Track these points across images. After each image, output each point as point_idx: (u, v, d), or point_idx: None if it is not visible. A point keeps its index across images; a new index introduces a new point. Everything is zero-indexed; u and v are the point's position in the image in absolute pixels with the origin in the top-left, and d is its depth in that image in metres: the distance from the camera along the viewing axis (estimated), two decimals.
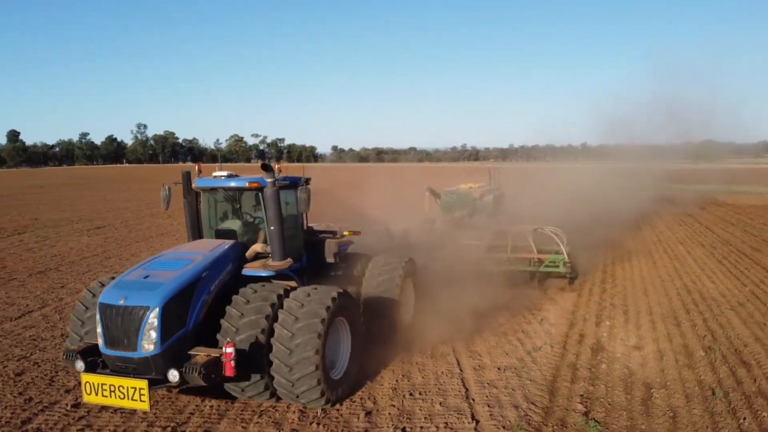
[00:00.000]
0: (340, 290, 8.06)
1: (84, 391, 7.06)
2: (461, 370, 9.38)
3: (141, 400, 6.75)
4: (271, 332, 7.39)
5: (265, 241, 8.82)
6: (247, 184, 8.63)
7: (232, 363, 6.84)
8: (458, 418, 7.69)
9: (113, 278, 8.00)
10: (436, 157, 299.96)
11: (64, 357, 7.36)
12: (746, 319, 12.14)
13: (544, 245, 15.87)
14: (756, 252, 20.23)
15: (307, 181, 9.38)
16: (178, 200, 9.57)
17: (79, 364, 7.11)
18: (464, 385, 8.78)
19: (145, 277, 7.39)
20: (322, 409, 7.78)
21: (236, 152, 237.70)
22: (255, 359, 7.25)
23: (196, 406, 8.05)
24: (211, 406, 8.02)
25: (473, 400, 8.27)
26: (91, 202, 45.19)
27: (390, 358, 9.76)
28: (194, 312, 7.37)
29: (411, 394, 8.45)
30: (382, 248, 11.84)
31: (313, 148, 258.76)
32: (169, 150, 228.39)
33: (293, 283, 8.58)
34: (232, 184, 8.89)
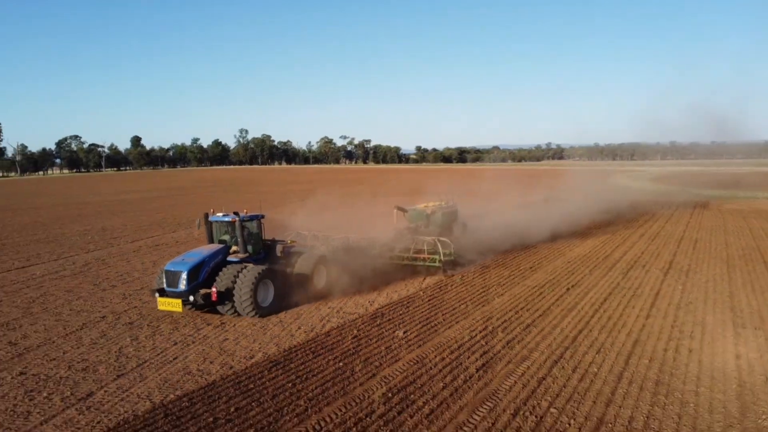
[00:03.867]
0: (265, 268, 16.61)
1: (158, 303, 16.24)
2: (337, 308, 18.24)
3: (178, 308, 15.91)
4: (234, 283, 16.07)
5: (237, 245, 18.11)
6: (230, 219, 17.73)
7: (215, 296, 15.67)
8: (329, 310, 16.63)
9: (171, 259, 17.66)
10: (519, 156, 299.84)
11: (151, 291, 17.07)
12: None
13: (439, 248, 21.58)
14: None
15: (262, 216, 18.50)
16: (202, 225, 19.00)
17: (156, 294, 16.37)
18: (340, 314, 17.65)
19: (182, 259, 16.65)
20: (260, 316, 16.17)
21: (326, 153, 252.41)
22: (227, 295, 15.95)
23: (202, 317, 17.51)
24: (206, 318, 17.49)
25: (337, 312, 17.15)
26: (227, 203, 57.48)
27: (305, 300, 17.74)
28: (202, 274, 16.31)
29: (302, 312, 17.38)
30: (331, 250, 20.00)
31: (397, 149, 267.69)
32: (267, 152, 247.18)
33: (251, 265, 16.92)
34: (224, 219, 17.99)
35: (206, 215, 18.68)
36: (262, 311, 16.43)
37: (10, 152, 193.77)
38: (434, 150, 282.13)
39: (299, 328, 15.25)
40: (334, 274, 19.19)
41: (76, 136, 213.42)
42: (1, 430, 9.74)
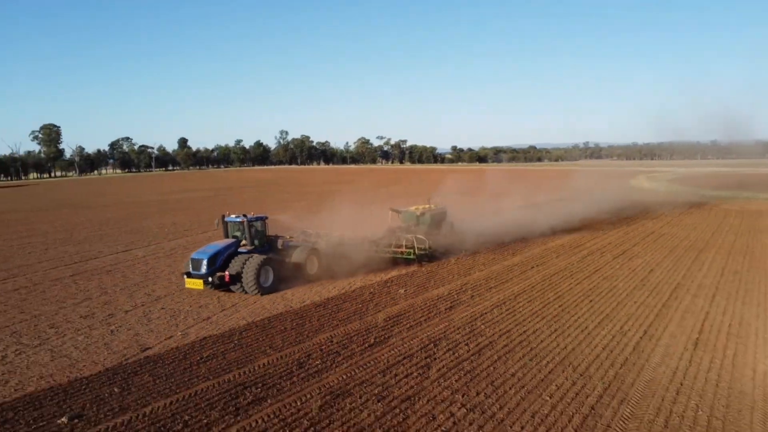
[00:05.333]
0: (266, 257, 21.77)
1: (186, 283, 22.31)
2: (362, 277, 25.08)
3: (200, 286, 21.50)
4: (242, 269, 21.39)
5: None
6: (240, 220, 23.18)
7: (228, 278, 21.10)
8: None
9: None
10: (555, 155, 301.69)
11: (181, 274, 23.60)
12: None
13: (414, 244, 26.14)
14: None
15: (266, 217, 24.26)
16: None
17: (185, 276, 22.11)
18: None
19: (204, 250, 22.17)
20: (261, 294, 22.09)
21: (362, 153, 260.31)
22: (237, 277, 21.13)
23: (216, 296, 24.58)
24: (219, 296, 24.56)
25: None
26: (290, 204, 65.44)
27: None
28: (219, 261, 21.54)
29: (338, 277, 24.23)
30: (325, 244, 25.79)
31: (433, 149, 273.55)
32: (306, 153, 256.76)
33: (256, 255, 21.84)
34: (236, 220, 23.34)
35: (223, 216, 24.13)
36: (263, 290, 21.39)
37: (68, 154, 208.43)
38: (470, 150, 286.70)
39: (334, 287, 22.34)
40: (325, 263, 24.14)
41: (128, 138, 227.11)
42: (171, 332, 17.09)
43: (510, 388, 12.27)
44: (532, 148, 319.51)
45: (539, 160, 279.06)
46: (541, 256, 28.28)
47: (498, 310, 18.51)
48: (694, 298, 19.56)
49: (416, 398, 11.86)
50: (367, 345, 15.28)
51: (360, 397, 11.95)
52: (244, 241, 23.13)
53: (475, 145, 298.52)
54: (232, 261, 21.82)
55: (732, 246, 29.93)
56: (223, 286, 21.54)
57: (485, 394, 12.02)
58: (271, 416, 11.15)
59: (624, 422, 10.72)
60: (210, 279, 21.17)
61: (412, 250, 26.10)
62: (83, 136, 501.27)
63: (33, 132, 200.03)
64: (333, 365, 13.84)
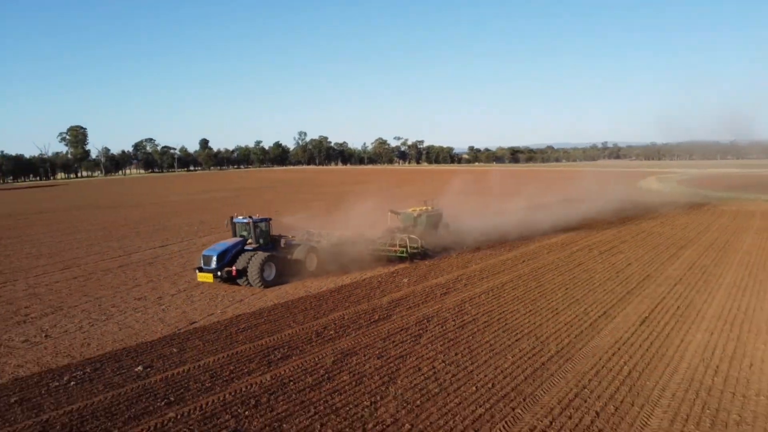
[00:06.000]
0: (269, 254, 24.41)
1: (198, 276, 25.35)
2: (373, 269, 28.41)
3: (210, 279, 24.30)
4: (247, 264, 24.07)
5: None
6: (246, 221, 26.08)
7: (235, 272, 23.69)
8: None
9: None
10: (573, 155, 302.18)
11: (194, 269, 26.83)
12: None
13: (407, 243, 30.15)
14: None
15: (269, 219, 26.84)
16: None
17: (197, 270, 24.92)
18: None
19: (214, 247, 25.01)
20: (264, 288, 25.08)
21: (380, 154, 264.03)
22: (243, 272, 23.76)
23: (224, 289, 28.03)
24: (229, 289, 28.01)
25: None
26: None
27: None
28: (227, 257, 24.21)
29: (353, 269, 27.68)
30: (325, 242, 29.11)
31: (450, 149, 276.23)
32: (324, 153, 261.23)
33: (260, 252, 24.42)
34: (243, 221, 26.15)
35: (231, 218, 26.97)
36: (266, 284, 23.93)
37: (94, 154, 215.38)
38: (486, 150, 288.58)
39: (347, 276, 25.79)
40: (323, 260, 26.84)
41: (151, 139, 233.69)
42: (210, 309, 20.67)
43: (482, 351, 15.56)
44: (550, 148, 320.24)
45: (557, 160, 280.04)
46: (534, 252, 31.40)
47: (485, 295, 21.76)
48: (657, 287, 22.59)
49: (407, 357, 15.21)
50: (372, 321, 18.66)
51: (364, 356, 15.34)
52: (250, 240, 25.83)
53: (493, 145, 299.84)
54: (239, 258, 24.47)
55: (711, 244, 32.74)
56: (230, 279, 24.25)
57: (461, 354, 15.32)
58: (296, 368, 14.59)
59: (564, 373, 13.95)
60: (219, 273, 23.92)
61: (404, 249, 28.98)
62: (108, 137, 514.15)
63: (61, 134, 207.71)
64: (344, 334, 17.25)
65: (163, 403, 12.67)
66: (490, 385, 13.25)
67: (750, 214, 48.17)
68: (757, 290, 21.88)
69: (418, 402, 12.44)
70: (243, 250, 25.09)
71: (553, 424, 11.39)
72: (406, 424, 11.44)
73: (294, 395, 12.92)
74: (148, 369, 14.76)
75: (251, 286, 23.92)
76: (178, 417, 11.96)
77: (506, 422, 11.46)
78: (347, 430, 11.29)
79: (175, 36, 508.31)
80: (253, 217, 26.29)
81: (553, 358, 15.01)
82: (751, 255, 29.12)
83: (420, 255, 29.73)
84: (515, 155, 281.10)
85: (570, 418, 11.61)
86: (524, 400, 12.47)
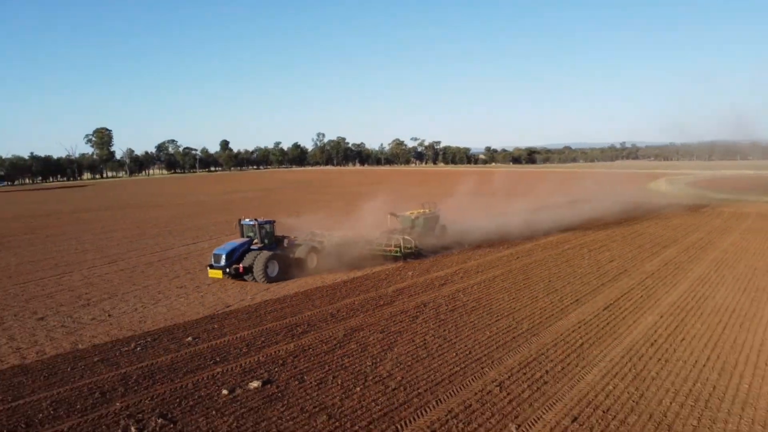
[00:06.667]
0: (272, 253, 27.34)
1: (209, 273, 28.02)
2: (381, 264, 31.82)
3: (219, 275, 27.19)
4: (253, 262, 26.76)
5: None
6: (252, 223, 29.11)
7: (242, 269, 26.53)
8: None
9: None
10: (591, 155, 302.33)
11: (206, 266, 30.25)
12: None
13: (401, 243, 33.38)
14: None
15: (273, 221, 30.06)
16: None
17: (208, 267, 27.79)
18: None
19: (223, 247, 27.93)
20: (268, 283, 28.22)
21: (397, 155, 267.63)
22: (249, 269, 26.45)
23: (232, 283, 31.53)
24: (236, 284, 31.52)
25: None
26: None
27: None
28: (235, 256, 26.98)
29: (365, 264, 31.14)
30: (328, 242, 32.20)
31: (466, 150, 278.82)
32: (342, 154, 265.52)
33: (265, 251, 27.21)
34: (249, 223, 29.19)
35: (239, 220, 29.83)
36: (270, 280, 26.42)
37: (119, 155, 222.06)
38: (503, 150, 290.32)
39: (358, 270, 29.32)
40: (324, 259, 29.31)
41: (173, 140, 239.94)
42: (242, 297, 24.34)
43: (465, 328, 18.96)
44: (567, 148, 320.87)
45: (574, 160, 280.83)
46: (530, 249, 34.62)
47: (477, 286, 25.12)
48: (630, 280, 25.75)
49: (404, 332, 18.68)
50: (377, 305, 22.17)
51: (369, 331, 18.85)
52: (256, 240, 28.39)
53: (510, 145, 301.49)
54: (246, 256, 27.00)
55: (694, 243, 35.64)
56: (238, 276, 26.65)
57: (448, 330, 18.76)
58: (314, 339, 18.15)
59: (529, 345, 17.29)
60: (227, 270, 26.49)
61: (398, 249, 31.73)
62: (132, 138, 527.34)
63: (87, 135, 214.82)
64: (354, 316, 20.77)
65: (211, 362, 16.33)
66: (467, 352, 16.67)
67: (745, 215, 50.66)
68: (716, 283, 24.95)
69: (409, 363, 15.93)
70: (249, 250, 27.65)
71: (511, 377, 14.80)
72: (398, 377, 14.93)
73: (313, 357, 16.51)
74: (197, 339, 18.43)
75: (256, 281, 26.52)
76: (224, 371, 15.60)
77: (474, 376, 14.91)
78: (353, 380, 14.82)
79: (197, 41, 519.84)
80: (259, 219, 29.11)
81: (524, 334, 18.35)
82: (727, 253, 32.03)
83: (413, 255, 32.37)
84: (532, 155, 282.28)
85: (525, 374, 15.00)
86: (492, 362, 15.89)
